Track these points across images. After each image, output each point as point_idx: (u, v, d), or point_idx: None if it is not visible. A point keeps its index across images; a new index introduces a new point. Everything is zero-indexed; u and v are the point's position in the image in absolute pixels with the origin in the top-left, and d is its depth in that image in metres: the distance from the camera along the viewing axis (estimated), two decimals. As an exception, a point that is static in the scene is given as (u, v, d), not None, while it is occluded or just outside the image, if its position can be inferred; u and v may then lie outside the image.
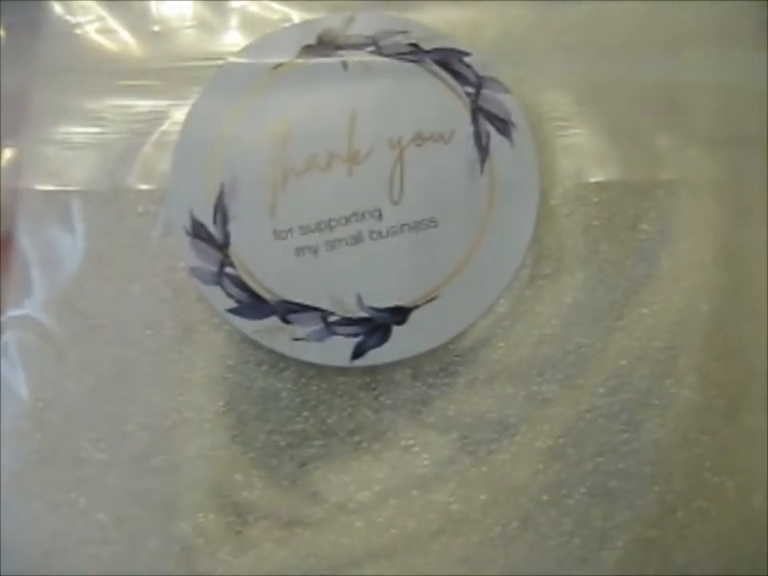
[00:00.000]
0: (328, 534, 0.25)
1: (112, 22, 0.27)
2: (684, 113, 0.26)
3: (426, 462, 0.25)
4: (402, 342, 0.25)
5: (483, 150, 0.25)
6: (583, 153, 0.26)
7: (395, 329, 0.25)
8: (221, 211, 0.25)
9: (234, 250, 0.25)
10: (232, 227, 0.25)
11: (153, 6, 0.27)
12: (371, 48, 0.26)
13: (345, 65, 0.26)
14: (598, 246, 0.26)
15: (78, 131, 0.26)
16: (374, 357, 0.25)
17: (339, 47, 0.26)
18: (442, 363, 0.25)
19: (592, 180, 0.26)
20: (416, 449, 0.25)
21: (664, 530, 0.25)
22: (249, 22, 0.27)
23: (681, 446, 0.25)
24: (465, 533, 0.25)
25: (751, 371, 0.26)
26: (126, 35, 0.27)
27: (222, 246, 0.25)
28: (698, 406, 0.25)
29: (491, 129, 0.26)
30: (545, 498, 0.25)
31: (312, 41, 0.26)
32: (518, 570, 0.25)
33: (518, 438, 0.25)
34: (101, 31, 0.27)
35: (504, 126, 0.26)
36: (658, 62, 0.26)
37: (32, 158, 0.26)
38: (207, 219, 0.25)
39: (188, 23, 0.27)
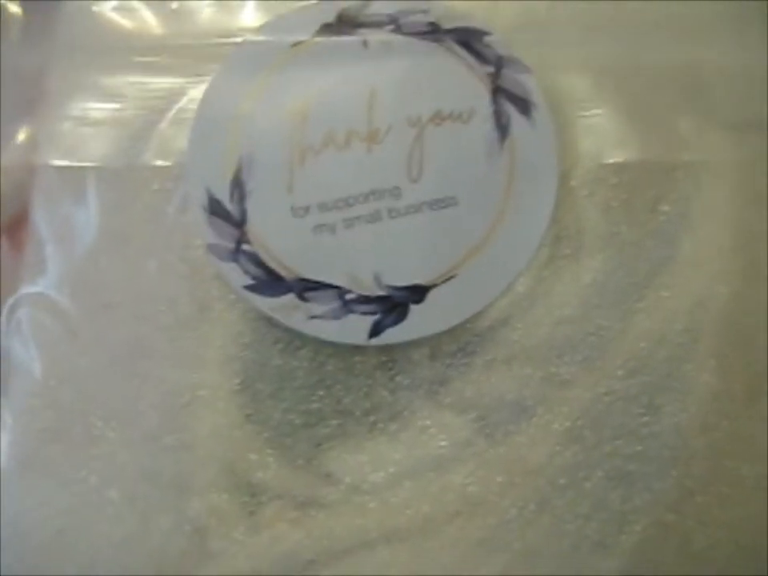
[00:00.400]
0: (342, 515, 0.25)
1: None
2: (705, 95, 0.26)
3: (442, 443, 0.25)
4: (419, 321, 0.25)
5: (503, 129, 0.25)
6: (603, 134, 0.26)
7: (413, 307, 0.25)
8: (238, 188, 0.25)
9: (251, 227, 0.25)
10: (249, 204, 0.25)
11: (172, -17, 0.27)
12: (391, 27, 0.26)
13: (365, 43, 0.26)
14: (617, 227, 0.25)
15: (95, 107, 0.26)
16: (391, 335, 0.25)
17: (359, 25, 0.26)
18: (459, 343, 0.25)
19: (612, 161, 0.26)
20: (432, 430, 0.25)
21: (682, 514, 0.25)
22: (266, 1, 0.26)
23: (700, 431, 0.25)
24: (481, 515, 0.25)
25: (771, 356, 0.26)
26: (143, 12, 0.27)
27: (239, 223, 0.25)
28: (717, 390, 0.25)
29: (511, 108, 0.25)
30: (562, 480, 0.25)
31: (332, 19, 0.26)
32: (535, 553, 0.25)
33: (535, 420, 0.25)
34: (118, 9, 0.27)
35: (524, 105, 0.25)
36: (681, 44, 0.26)
37: (48, 135, 0.26)
38: (224, 196, 0.25)
39: (206, 0, 0.26)
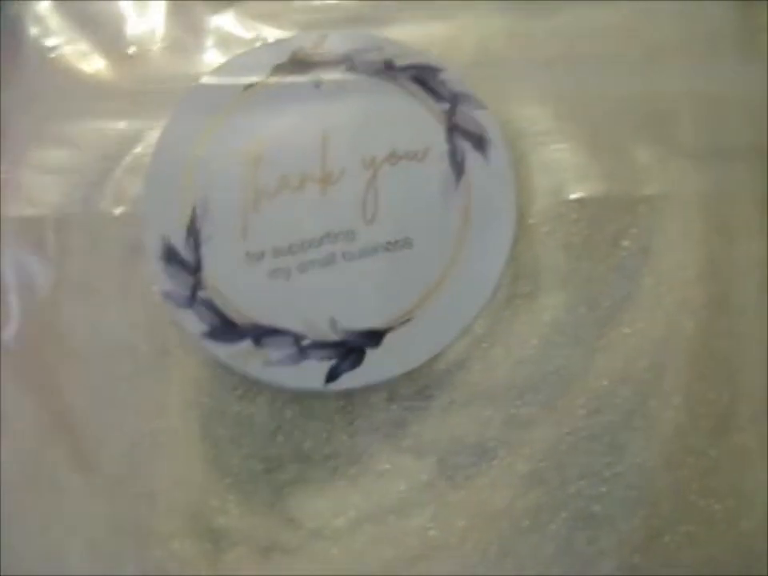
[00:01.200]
0: (305, 561, 0.25)
1: (86, 45, 0.27)
2: (667, 124, 0.25)
3: (402, 487, 0.25)
4: (376, 365, 0.25)
5: (458, 167, 0.25)
6: (562, 168, 0.25)
7: (369, 352, 0.25)
8: (193, 234, 0.25)
9: (206, 274, 0.25)
10: (204, 251, 0.25)
11: (127, 28, 0.27)
12: (344, 66, 0.26)
13: (317, 83, 0.26)
14: (578, 263, 0.25)
15: (53, 155, 0.26)
16: (348, 380, 0.25)
17: (312, 65, 0.26)
18: (417, 386, 0.25)
19: (572, 197, 0.25)
20: (392, 473, 0.25)
21: (651, 555, 0.24)
22: (222, 43, 0.26)
23: (666, 469, 0.24)
24: (443, 559, 0.24)
25: (739, 388, 0.25)
26: (100, 58, 0.27)
27: (194, 270, 0.25)
28: (684, 426, 0.25)
29: (466, 145, 0.25)
30: (525, 523, 0.24)
31: (285, 59, 0.26)
32: (498, 598, 0.24)
33: (496, 462, 0.25)
34: (75, 54, 0.27)
35: (479, 142, 0.25)
36: (639, 73, 0.25)
37: (7, 184, 0.26)
38: (179, 243, 0.25)
39: (161, 45, 0.26)
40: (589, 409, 0.25)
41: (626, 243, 0.25)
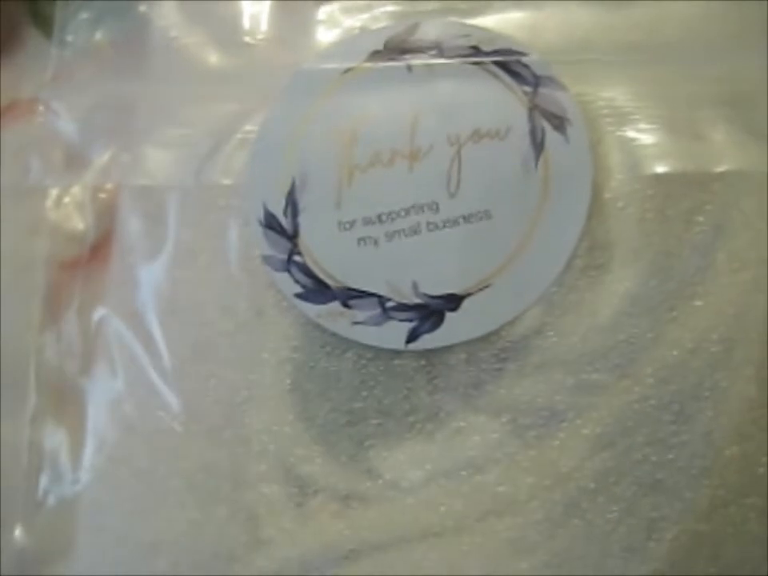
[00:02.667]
0: (381, 509, 0.26)
1: (204, 37, 0.29)
2: (743, 106, 0.26)
3: (476, 444, 0.26)
4: (454, 328, 0.26)
5: (538, 146, 0.26)
6: (639, 147, 0.26)
7: (448, 315, 0.26)
8: (291, 204, 0.27)
9: (302, 240, 0.27)
10: (301, 219, 0.27)
11: (240, 21, 0.29)
12: (434, 51, 0.27)
13: (409, 68, 0.28)
14: (651, 238, 0.26)
15: (171, 132, 0.29)
16: (427, 341, 0.26)
17: (405, 51, 0.28)
18: (494, 349, 0.26)
19: (648, 173, 0.26)
20: (467, 431, 0.26)
21: (715, 524, 0.25)
22: (324, 32, 0.29)
23: (733, 440, 0.25)
24: (511, 515, 0.26)
25: (810, 365, 0.25)
26: (215, 47, 0.29)
27: (292, 236, 0.27)
28: (752, 399, 0.25)
29: (547, 125, 0.26)
30: (592, 485, 0.25)
31: (380, 46, 0.28)
32: (563, 556, 0.25)
33: (565, 425, 0.26)
34: (195, 45, 0.30)
35: (559, 122, 0.26)
36: (718, 57, 0.26)
37: (132, 159, 0.29)
38: (279, 211, 0.27)
39: (270, 35, 0.29)
40: (658, 378, 0.25)
41: (700, 219, 0.26)
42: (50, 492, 0.28)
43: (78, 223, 0.29)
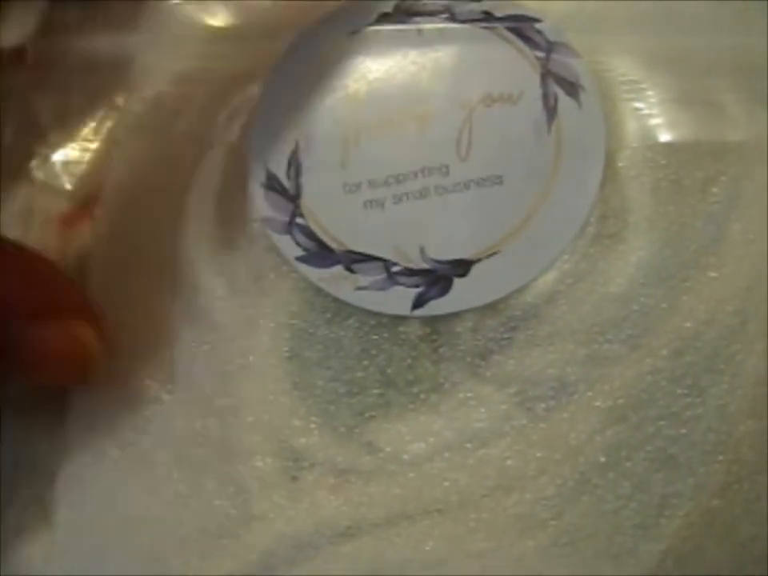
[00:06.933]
0: (381, 484, 0.25)
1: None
2: (756, 78, 0.26)
3: (482, 416, 0.25)
4: (462, 294, 0.25)
5: (551, 111, 0.26)
6: (653, 115, 0.26)
7: (456, 281, 0.25)
8: (294, 165, 0.26)
9: (305, 202, 0.26)
10: (304, 180, 0.26)
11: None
12: (445, 15, 0.27)
13: (419, 31, 0.27)
14: (665, 207, 0.25)
15: (169, 91, 0.28)
16: (434, 307, 0.25)
17: (415, 14, 0.27)
18: (502, 318, 0.25)
19: (661, 142, 0.26)
20: (473, 402, 0.25)
21: (729, 501, 0.24)
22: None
23: (748, 415, 0.24)
24: (518, 490, 0.25)
25: (825, 341, 0.25)
26: (214, 7, 0.28)
27: (294, 198, 0.26)
28: (766, 374, 0.24)
29: (559, 91, 0.26)
30: (602, 459, 0.24)
31: (389, 9, 0.27)
32: (573, 532, 0.24)
33: (576, 397, 0.25)
34: (195, 3, 0.29)
35: (572, 88, 0.26)
36: (731, 27, 0.26)
37: (125, 117, 0.28)
38: (281, 172, 0.26)
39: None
40: (671, 349, 0.25)
41: (714, 190, 0.25)
42: (28, 462, 0.26)
43: (66, 182, 0.28)
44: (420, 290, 0.25)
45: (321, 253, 0.26)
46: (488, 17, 0.27)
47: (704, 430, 0.24)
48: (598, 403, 0.25)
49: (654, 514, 0.24)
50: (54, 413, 0.27)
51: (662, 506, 0.24)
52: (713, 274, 0.25)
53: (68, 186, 0.28)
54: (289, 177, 0.26)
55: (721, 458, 0.24)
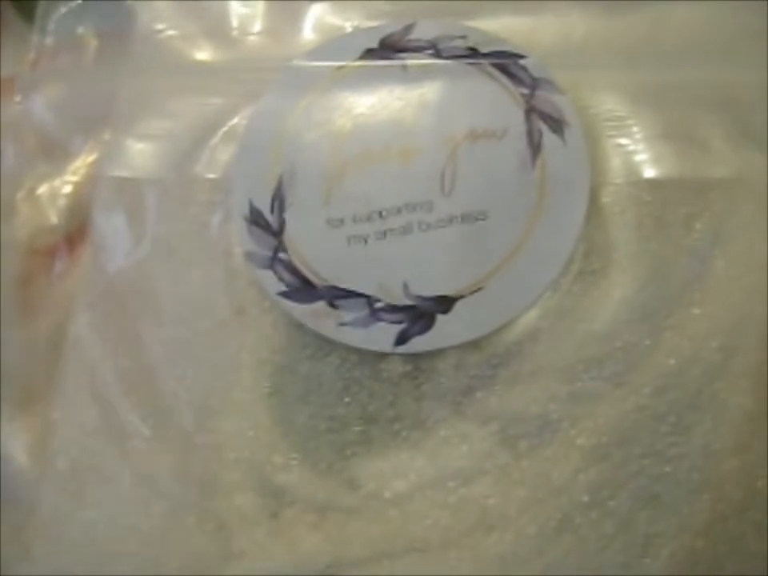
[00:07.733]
0: (362, 522, 0.25)
1: (191, 29, 0.29)
2: (740, 113, 0.26)
3: (464, 454, 0.25)
4: (445, 331, 0.25)
5: (535, 147, 0.26)
6: (637, 151, 0.26)
7: (439, 317, 0.25)
8: (278, 200, 0.26)
9: (288, 237, 0.26)
10: (288, 215, 0.26)
11: (229, 14, 0.29)
12: (430, 51, 0.27)
13: (404, 67, 0.27)
14: (649, 244, 0.25)
15: (154, 125, 0.28)
16: (417, 344, 0.25)
17: (400, 50, 0.27)
18: (485, 355, 0.25)
19: (645, 178, 0.26)
20: (455, 440, 0.25)
21: (713, 540, 0.24)
22: (316, 29, 0.28)
23: (732, 453, 0.24)
24: (500, 530, 0.24)
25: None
26: (203, 40, 0.29)
27: (277, 233, 0.26)
28: (751, 410, 0.24)
29: (544, 127, 0.26)
30: (585, 498, 0.24)
31: (374, 44, 0.27)
32: (555, 572, 0.24)
33: (559, 435, 0.25)
34: (181, 37, 0.29)
35: (557, 124, 0.26)
36: (716, 62, 0.26)
37: (112, 149, 0.28)
38: (265, 207, 0.26)
39: (260, 29, 0.28)
40: (655, 386, 0.25)
41: (698, 226, 0.25)
42: (8, 496, 0.26)
43: (52, 215, 0.28)
44: (403, 326, 0.25)
45: (303, 288, 0.26)
46: (473, 53, 0.27)
47: (688, 468, 0.24)
48: (581, 441, 0.24)
49: (637, 554, 0.24)
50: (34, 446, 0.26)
51: (646, 545, 0.24)
52: (696, 311, 0.25)
53: (54, 219, 0.28)
54: (272, 211, 0.26)
55: (705, 496, 0.24)
